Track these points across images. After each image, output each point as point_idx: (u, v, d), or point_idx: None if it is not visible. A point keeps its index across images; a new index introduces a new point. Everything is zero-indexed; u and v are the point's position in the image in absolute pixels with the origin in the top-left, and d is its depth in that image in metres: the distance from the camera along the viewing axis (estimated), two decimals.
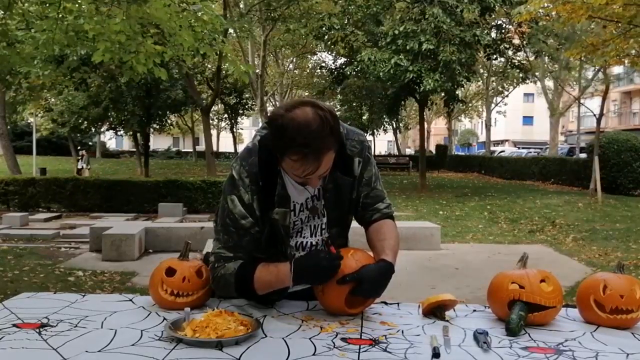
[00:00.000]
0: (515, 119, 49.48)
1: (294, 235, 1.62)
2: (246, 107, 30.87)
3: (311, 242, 1.64)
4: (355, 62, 15.16)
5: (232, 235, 1.56)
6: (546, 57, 20.95)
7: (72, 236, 8.93)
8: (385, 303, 1.64)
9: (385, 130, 33.64)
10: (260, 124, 1.67)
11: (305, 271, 1.46)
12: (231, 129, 33.65)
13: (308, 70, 32.57)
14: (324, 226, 1.65)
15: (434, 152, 34.51)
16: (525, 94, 46.80)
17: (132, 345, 1.27)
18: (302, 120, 1.37)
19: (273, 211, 1.55)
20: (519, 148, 42.28)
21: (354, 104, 27.53)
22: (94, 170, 22.58)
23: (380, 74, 14.36)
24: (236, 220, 1.54)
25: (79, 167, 20.26)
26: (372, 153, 1.73)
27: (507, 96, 35.14)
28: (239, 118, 32.46)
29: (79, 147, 28.76)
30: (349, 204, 1.65)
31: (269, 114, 1.51)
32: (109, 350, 1.25)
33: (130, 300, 1.64)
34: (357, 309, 1.51)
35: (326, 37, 16.13)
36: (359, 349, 1.27)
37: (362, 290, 1.45)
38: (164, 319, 1.46)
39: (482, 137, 42.79)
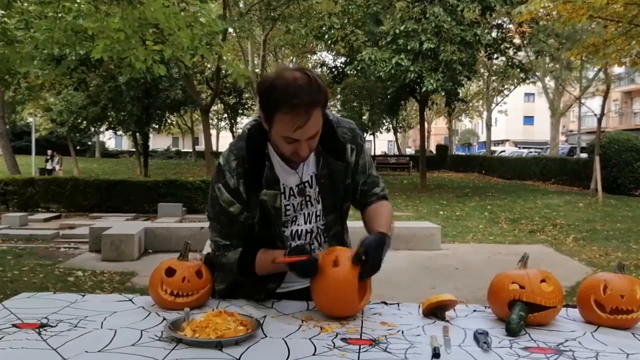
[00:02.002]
0: (516, 118, 49.45)
1: (288, 224, 1.64)
2: (246, 107, 30.86)
3: (305, 230, 1.65)
4: (356, 62, 15.16)
5: (223, 223, 1.60)
6: (547, 57, 20.93)
7: (72, 236, 8.93)
8: (385, 303, 1.64)
9: (387, 130, 33.66)
10: None
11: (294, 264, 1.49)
12: (231, 129, 33.63)
13: None
14: (319, 213, 1.66)
15: (434, 152, 34.51)
16: (526, 94, 46.76)
17: (132, 345, 1.27)
18: (290, 77, 1.44)
19: (261, 192, 1.56)
20: (519, 148, 42.24)
21: (354, 104, 27.51)
22: (93, 171, 22.57)
23: (381, 73, 14.35)
24: (224, 208, 1.57)
25: (49, 167, 19.97)
26: (364, 140, 1.76)
27: (507, 96, 35.13)
28: (238, 118, 32.42)
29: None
30: (343, 190, 1.67)
31: (257, 83, 1.58)
32: (109, 350, 1.24)
33: (130, 300, 1.64)
34: (362, 302, 1.51)
35: (326, 36, 16.12)
36: (359, 349, 1.27)
37: (367, 267, 1.45)
38: (164, 319, 1.46)
39: (483, 137, 42.77)
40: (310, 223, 1.66)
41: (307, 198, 1.63)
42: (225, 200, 1.57)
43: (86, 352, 1.22)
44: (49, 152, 21.68)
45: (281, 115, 1.44)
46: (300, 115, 1.43)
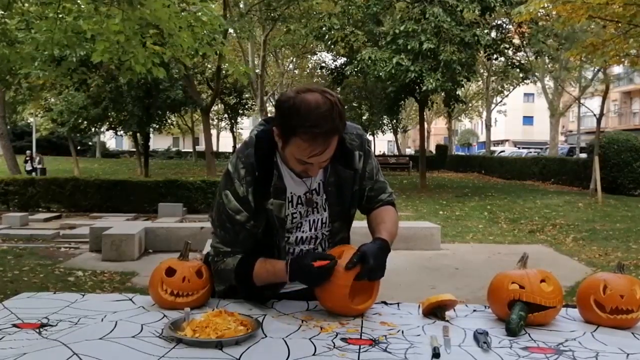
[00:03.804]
0: (516, 119, 49.47)
1: (293, 231, 1.63)
2: (246, 107, 30.88)
3: (310, 236, 1.65)
4: (356, 62, 15.16)
5: (228, 231, 1.58)
6: (546, 57, 20.92)
7: (72, 236, 8.93)
8: (385, 303, 1.64)
9: (383, 132, 33.72)
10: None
11: (299, 272, 1.48)
12: (231, 129, 33.66)
13: (308, 70, 32.58)
14: (324, 220, 1.65)
15: (434, 152, 34.51)
16: (526, 94, 46.79)
17: (132, 337, 1.28)
18: (312, 102, 1.40)
19: (268, 201, 1.56)
20: (519, 148, 42.25)
21: (354, 104, 27.53)
22: (94, 171, 22.55)
23: (381, 73, 14.35)
24: (231, 216, 1.56)
25: (28, 168, 19.70)
26: (371, 145, 1.75)
27: (507, 96, 35.13)
28: (239, 118, 32.46)
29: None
30: (351, 198, 1.66)
31: (277, 99, 1.54)
32: (109, 338, 1.26)
33: (130, 300, 1.64)
34: (362, 306, 1.51)
35: (326, 37, 16.11)
36: (359, 349, 1.27)
37: (367, 267, 1.44)
38: (164, 315, 1.47)
39: (482, 137, 42.77)
40: (315, 230, 1.65)
41: (314, 205, 1.62)
42: (232, 208, 1.55)
43: (86, 340, 1.24)
44: (28, 152, 21.46)
45: (299, 141, 1.42)
46: (318, 144, 1.41)
